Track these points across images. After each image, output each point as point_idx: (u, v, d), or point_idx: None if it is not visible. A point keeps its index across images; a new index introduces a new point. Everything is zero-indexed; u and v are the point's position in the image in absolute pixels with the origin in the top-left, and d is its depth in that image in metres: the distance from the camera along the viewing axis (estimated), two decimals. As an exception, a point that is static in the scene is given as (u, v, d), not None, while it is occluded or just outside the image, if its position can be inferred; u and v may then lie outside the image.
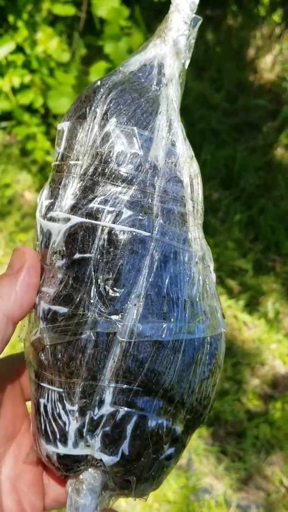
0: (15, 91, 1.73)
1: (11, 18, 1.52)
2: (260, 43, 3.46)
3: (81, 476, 0.36)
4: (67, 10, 1.24)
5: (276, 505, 1.55)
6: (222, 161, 2.56)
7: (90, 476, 0.36)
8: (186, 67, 0.41)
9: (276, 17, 3.53)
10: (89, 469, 0.36)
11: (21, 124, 1.81)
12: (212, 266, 0.40)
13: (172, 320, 0.34)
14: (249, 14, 3.59)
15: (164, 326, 0.34)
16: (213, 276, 0.40)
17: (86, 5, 1.38)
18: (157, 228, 0.35)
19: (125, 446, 0.34)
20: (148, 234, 0.35)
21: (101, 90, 0.37)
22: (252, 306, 2.06)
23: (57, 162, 0.39)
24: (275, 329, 1.99)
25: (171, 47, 0.39)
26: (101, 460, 0.35)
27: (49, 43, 1.42)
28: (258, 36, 3.48)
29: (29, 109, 1.86)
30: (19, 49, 1.51)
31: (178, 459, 0.39)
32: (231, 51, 3.37)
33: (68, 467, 0.36)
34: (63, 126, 0.39)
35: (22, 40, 1.44)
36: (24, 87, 1.65)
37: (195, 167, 0.40)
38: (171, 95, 0.39)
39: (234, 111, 2.98)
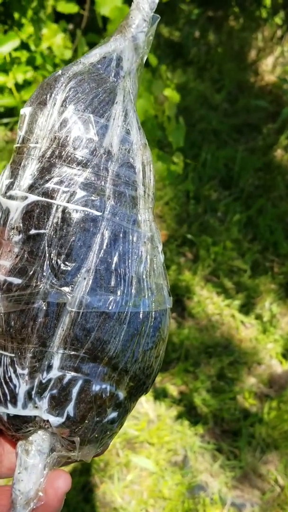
0: (18, 87, 1.74)
1: (16, 15, 1.52)
2: (261, 44, 3.48)
3: (30, 438, 0.39)
4: (71, 8, 1.24)
5: (271, 504, 1.56)
6: (222, 161, 2.57)
7: (39, 438, 0.38)
8: (144, 61, 0.45)
9: (278, 19, 3.55)
10: (38, 431, 0.38)
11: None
12: (160, 247, 0.43)
13: (119, 293, 0.37)
14: (251, 16, 3.60)
15: (111, 298, 0.36)
16: (161, 256, 0.43)
17: (90, 3, 1.39)
18: (108, 209, 0.37)
19: (70, 408, 0.37)
20: (99, 213, 0.37)
21: (62, 78, 0.40)
22: (249, 306, 2.07)
23: (18, 145, 0.42)
24: (271, 329, 2.00)
25: (130, 42, 0.42)
26: (48, 421, 0.37)
27: (54, 39, 1.43)
28: (259, 38, 3.49)
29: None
30: (23, 45, 1.52)
31: (121, 424, 0.41)
32: (232, 52, 3.38)
33: (17, 427, 0.38)
34: (25, 111, 0.42)
35: (27, 37, 1.45)
36: (27, 84, 1.66)
37: (148, 154, 0.43)
38: (128, 87, 0.42)
39: (235, 111, 2.99)
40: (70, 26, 2.29)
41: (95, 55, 0.42)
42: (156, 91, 1.40)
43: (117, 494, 1.43)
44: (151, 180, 0.42)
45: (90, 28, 1.84)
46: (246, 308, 2.05)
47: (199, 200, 2.36)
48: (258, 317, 2.04)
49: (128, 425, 1.57)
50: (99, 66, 0.41)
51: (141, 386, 0.41)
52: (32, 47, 1.52)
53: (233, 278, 2.13)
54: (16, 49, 1.51)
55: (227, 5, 3.63)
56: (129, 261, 0.38)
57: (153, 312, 0.39)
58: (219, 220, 2.34)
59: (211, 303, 2.01)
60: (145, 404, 1.65)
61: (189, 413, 1.67)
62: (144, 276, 0.39)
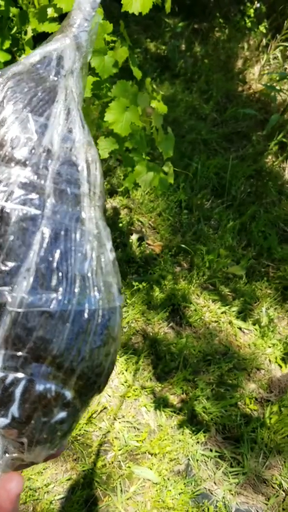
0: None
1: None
2: (247, 54, 3.52)
3: None
4: (53, 27, 1.27)
5: (276, 508, 1.55)
6: (213, 170, 2.59)
7: None
8: (88, 60, 0.45)
9: (262, 28, 3.60)
10: None
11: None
12: (109, 245, 0.42)
13: (61, 292, 0.36)
14: (236, 26, 3.65)
15: (52, 297, 0.36)
16: (110, 254, 0.42)
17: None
18: (48, 207, 0.37)
19: (14, 409, 0.36)
20: (38, 212, 0.37)
21: (0, 79, 0.40)
22: (246, 312, 2.07)
23: None
24: (269, 334, 2.00)
25: (71, 41, 0.42)
26: None
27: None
28: (245, 47, 3.54)
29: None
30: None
31: (73, 424, 0.40)
32: (219, 62, 3.42)
33: None
34: None
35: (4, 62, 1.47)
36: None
37: (93, 152, 0.42)
38: (71, 86, 0.42)
39: (224, 121, 3.03)
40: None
41: (35, 55, 0.42)
42: (142, 103, 1.42)
43: (121, 506, 1.43)
44: (97, 178, 0.42)
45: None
46: (243, 314, 2.06)
47: (192, 210, 2.38)
48: (256, 323, 2.04)
49: (129, 436, 1.57)
50: (39, 65, 0.41)
51: (92, 385, 0.40)
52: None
53: (229, 285, 2.14)
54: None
55: (211, 17, 3.68)
56: (72, 259, 0.37)
57: (101, 310, 0.39)
58: (212, 228, 2.35)
59: (208, 311, 2.02)
60: (146, 414, 1.65)
61: (190, 421, 1.67)
62: (89, 274, 0.38)
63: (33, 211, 0.37)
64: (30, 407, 0.37)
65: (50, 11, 1.37)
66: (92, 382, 0.40)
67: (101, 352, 0.39)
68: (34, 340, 0.36)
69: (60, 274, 0.37)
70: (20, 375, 0.36)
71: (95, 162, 0.42)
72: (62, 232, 0.37)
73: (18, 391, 0.36)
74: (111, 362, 0.41)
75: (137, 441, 1.57)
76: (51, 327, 0.36)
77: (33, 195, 0.37)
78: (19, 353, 0.36)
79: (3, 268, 0.36)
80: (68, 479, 1.44)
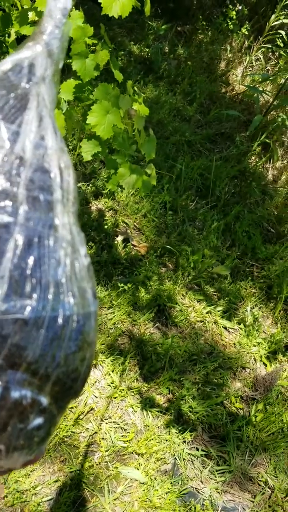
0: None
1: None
2: (230, 55, 3.55)
3: None
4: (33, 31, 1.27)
5: (263, 506, 1.57)
6: (197, 172, 2.61)
7: None
8: (61, 67, 0.44)
9: (245, 30, 3.63)
10: None
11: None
12: (83, 250, 0.42)
13: (35, 298, 0.36)
14: (218, 29, 3.68)
15: (26, 304, 0.36)
16: (84, 259, 0.42)
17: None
18: (21, 214, 0.37)
19: None
20: (11, 219, 0.37)
21: None
22: (231, 311, 2.09)
23: None
24: (254, 333, 2.02)
25: (43, 49, 0.42)
26: None
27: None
28: (228, 49, 3.57)
29: None
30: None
31: (50, 429, 0.41)
32: (202, 64, 3.44)
33: None
34: None
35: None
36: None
37: (65, 159, 0.42)
38: (43, 93, 0.42)
39: (207, 122, 3.05)
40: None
41: (7, 62, 0.42)
42: (123, 106, 1.43)
43: (108, 507, 1.43)
44: (69, 184, 0.42)
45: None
46: (229, 314, 2.08)
47: (176, 211, 2.39)
48: (241, 322, 2.06)
49: (116, 436, 1.58)
50: (10, 73, 0.41)
51: (68, 390, 0.40)
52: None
53: (214, 285, 2.16)
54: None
55: (194, 19, 3.71)
56: (46, 265, 0.37)
57: (75, 316, 0.39)
58: (197, 229, 2.37)
59: (194, 311, 2.03)
60: (132, 415, 1.65)
61: (177, 421, 1.68)
62: (63, 280, 0.38)
63: (6, 218, 0.37)
64: (6, 414, 0.36)
65: (31, 15, 1.38)
66: (68, 387, 0.40)
67: (76, 357, 0.39)
68: (9, 347, 0.36)
69: (33, 280, 0.37)
70: None
71: (68, 169, 0.42)
72: (36, 239, 0.37)
73: None
74: (87, 366, 0.41)
75: (124, 441, 1.58)
76: (25, 334, 0.36)
77: (6, 202, 0.37)
78: None
79: None
80: (56, 481, 1.45)
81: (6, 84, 0.40)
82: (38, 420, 0.38)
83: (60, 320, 0.38)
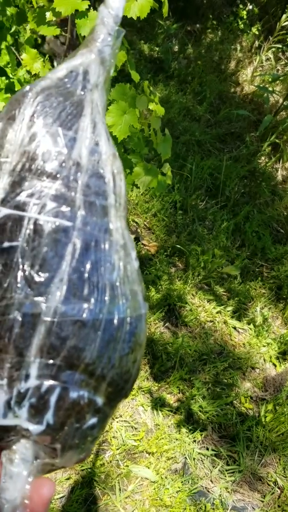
0: None
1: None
2: (240, 55, 3.55)
3: (14, 447, 0.39)
4: (52, 31, 1.28)
5: (272, 505, 1.58)
6: (207, 171, 2.62)
7: (22, 447, 0.39)
8: (111, 74, 0.45)
9: (255, 29, 3.63)
10: (21, 440, 0.39)
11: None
12: (134, 254, 0.43)
13: (92, 301, 0.37)
14: (228, 28, 3.68)
15: (84, 306, 0.37)
16: (135, 263, 0.43)
17: (71, 25, 1.42)
18: (79, 219, 0.38)
19: (49, 416, 0.37)
20: (70, 224, 0.38)
21: (29, 94, 0.41)
22: (241, 312, 2.10)
23: None
24: (264, 333, 2.03)
25: (96, 56, 0.43)
26: (28, 429, 0.38)
27: (34, 64, 1.45)
28: (238, 49, 3.57)
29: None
30: (2, 73, 1.54)
31: (102, 429, 0.42)
32: (212, 64, 3.44)
33: None
34: None
35: (4, 65, 1.47)
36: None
37: (117, 164, 0.43)
38: (96, 100, 0.43)
39: (217, 122, 3.05)
40: (51, 49, 2.34)
41: (62, 69, 0.43)
42: (140, 106, 1.43)
43: (119, 505, 1.44)
44: (121, 189, 0.43)
45: (73, 49, 1.87)
46: (238, 314, 2.08)
47: (186, 210, 2.40)
48: (251, 322, 2.07)
49: (126, 435, 1.59)
50: (66, 80, 0.42)
51: (120, 391, 0.41)
52: (10, 75, 1.54)
53: (224, 285, 2.16)
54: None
55: (204, 18, 3.70)
56: (102, 269, 0.38)
57: (128, 318, 0.40)
58: (207, 229, 2.37)
59: (204, 311, 2.04)
60: (143, 414, 1.66)
61: (187, 420, 1.69)
62: (117, 283, 0.39)
63: (65, 223, 0.38)
64: (64, 414, 0.38)
65: (49, 15, 1.38)
66: (121, 388, 0.41)
67: (129, 359, 0.40)
68: (68, 348, 0.37)
69: (91, 284, 0.38)
70: (54, 383, 0.37)
71: (119, 174, 0.43)
72: (93, 243, 0.38)
73: (53, 399, 0.37)
74: (137, 368, 0.42)
75: (134, 440, 1.58)
76: (83, 335, 0.37)
77: (65, 208, 0.38)
78: (54, 362, 0.37)
79: (38, 279, 0.37)
80: (67, 479, 1.46)
81: (63, 91, 0.41)
82: (93, 420, 0.39)
83: (115, 323, 0.39)
